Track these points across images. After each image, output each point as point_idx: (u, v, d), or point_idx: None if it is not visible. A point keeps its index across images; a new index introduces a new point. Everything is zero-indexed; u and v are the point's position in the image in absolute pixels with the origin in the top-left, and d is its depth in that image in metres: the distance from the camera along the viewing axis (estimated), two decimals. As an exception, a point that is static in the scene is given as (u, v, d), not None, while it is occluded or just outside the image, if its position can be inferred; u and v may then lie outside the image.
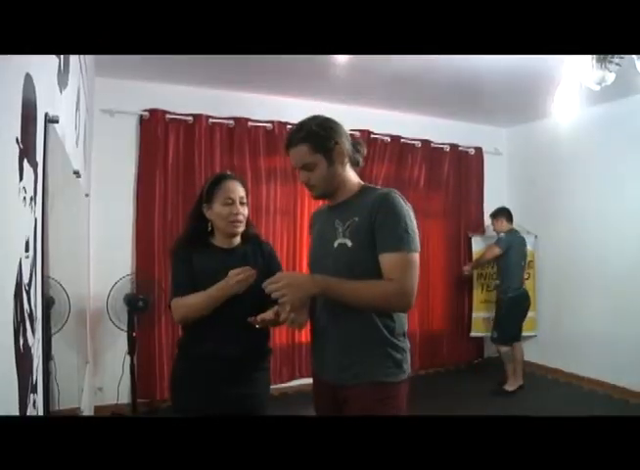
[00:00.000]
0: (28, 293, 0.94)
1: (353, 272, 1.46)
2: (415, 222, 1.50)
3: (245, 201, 1.83)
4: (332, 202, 1.62)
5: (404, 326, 1.57)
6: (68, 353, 1.78)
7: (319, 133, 1.51)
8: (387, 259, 1.45)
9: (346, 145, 1.56)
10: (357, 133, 4.66)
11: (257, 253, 1.89)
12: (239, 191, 1.82)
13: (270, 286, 1.42)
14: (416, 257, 1.47)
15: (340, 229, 1.53)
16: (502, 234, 4.56)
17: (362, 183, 1.63)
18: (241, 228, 1.83)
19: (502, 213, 4.63)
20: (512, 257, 4.42)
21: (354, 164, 1.62)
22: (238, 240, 1.88)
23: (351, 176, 1.61)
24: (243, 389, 1.76)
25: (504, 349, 4.39)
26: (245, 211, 1.83)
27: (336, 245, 1.52)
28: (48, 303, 1.28)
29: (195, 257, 1.80)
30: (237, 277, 1.65)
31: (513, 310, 4.39)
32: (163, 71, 3.79)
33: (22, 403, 0.87)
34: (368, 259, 1.47)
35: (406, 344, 1.57)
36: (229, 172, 1.92)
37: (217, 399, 1.71)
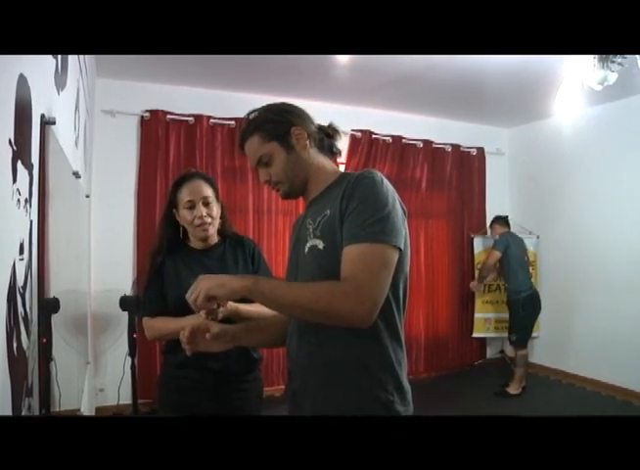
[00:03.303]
0: (23, 296, 0.93)
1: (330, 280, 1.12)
2: (397, 208, 1.14)
3: (210, 200, 1.71)
4: (306, 200, 1.32)
5: (398, 356, 1.17)
6: (68, 355, 1.78)
7: (269, 118, 1.25)
8: (344, 254, 1.10)
9: (308, 127, 1.27)
10: (359, 134, 4.67)
11: (238, 251, 1.80)
12: (201, 191, 1.70)
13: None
14: (383, 249, 1.08)
15: (310, 229, 1.20)
16: (497, 236, 4.64)
17: (341, 171, 1.31)
18: (211, 231, 1.73)
19: (496, 221, 4.79)
20: (512, 256, 4.42)
21: (329, 152, 1.33)
22: (215, 239, 1.79)
23: (324, 164, 1.29)
24: (228, 402, 1.68)
25: (522, 352, 4.34)
26: (212, 211, 1.72)
27: (307, 249, 1.19)
28: (53, 305, 1.27)
29: (169, 263, 1.73)
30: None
31: (528, 311, 4.35)
32: (164, 72, 3.78)
33: (16, 407, 0.86)
34: None
35: (403, 387, 1.18)
36: (193, 170, 1.82)
37: (199, 409, 1.64)
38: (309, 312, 1.09)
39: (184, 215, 1.71)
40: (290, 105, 1.31)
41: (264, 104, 1.32)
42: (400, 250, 1.12)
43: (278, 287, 1.12)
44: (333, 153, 1.33)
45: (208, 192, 1.72)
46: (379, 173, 1.17)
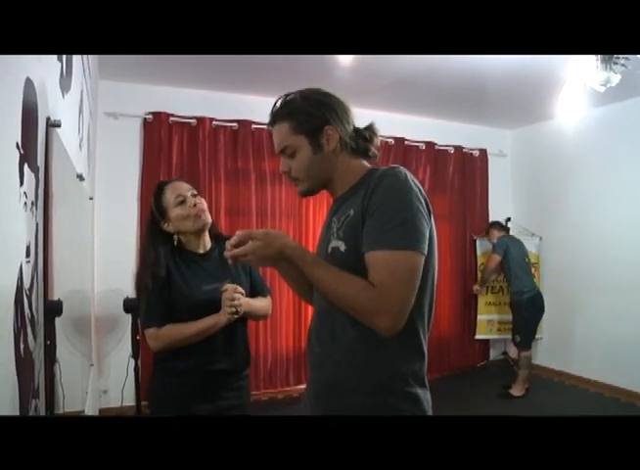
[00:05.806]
0: (30, 298, 0.93)
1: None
2: (421, 210, 1.09)
3: (197, 193, 1.74)
4: (333, 195, 1.26)
5: (413, 365, 1.14)
6: (72, 356, 1.78)
7: (305, 109, 1.16)
8: (368, 261, 1.06)
9: (343, 127, 1.18)
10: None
11: None
12: (187, 187, 1.74)
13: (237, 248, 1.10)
14: (408, 256, 1.04)
15: (334, 229, 1.16)
16: (495, 240, 4.65)
17: (369, 167, 1.23)
18: (208, 218, 1.73)
19: (493, 226, 4.81)
20: (512, 258, 4.43)
21: (363, 155, 1.23)
22: (209, 242, 1.78)
23: (353, 165, 1.21)
24: (228, 400, 1.70)
25: (526, 353, 4.33)
26: (201, 200, 1.74)
27: (329, 249, 1.16)
28: (57, 307, 1.27)
29: (173, 271, 1.68)
30: (230, 309, 1.62)
31: (531, 312, 4.35)
32: (167, 74, 3.79)
33: (23, 409, 0.87)
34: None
35: (421, 394, 1.14)
36: (165, 180, 1.86)
37: (203, 412, 1.63)
38: (337, 303, 1.09)
39: (177, 213, 1.68)
40: (331, 97, 1.20)
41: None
42: (424, 254, 1.08)
43: (308, 262, 1.11)
44: (368, 156, 1.25)
45: (191, 188, 1.76)
46: (404, 170, 1.13)
